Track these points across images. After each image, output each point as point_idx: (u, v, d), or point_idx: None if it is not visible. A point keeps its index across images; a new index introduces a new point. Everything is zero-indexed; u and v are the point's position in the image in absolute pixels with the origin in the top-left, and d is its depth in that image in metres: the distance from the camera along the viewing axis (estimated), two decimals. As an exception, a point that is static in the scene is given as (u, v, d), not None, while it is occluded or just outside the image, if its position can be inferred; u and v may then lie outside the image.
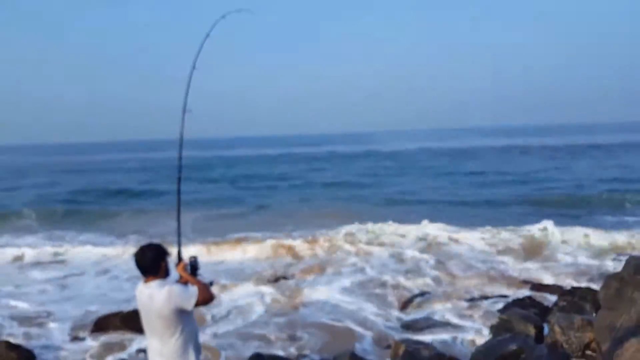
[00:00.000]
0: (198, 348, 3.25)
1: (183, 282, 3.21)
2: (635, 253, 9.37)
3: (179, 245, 3.47)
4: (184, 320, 3.10)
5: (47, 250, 12.44)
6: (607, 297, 4.99)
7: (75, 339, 7.05)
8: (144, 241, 3.33)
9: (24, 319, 7.88)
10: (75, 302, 8.77)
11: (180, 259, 3.33)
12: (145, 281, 3.12)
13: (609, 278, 5.21)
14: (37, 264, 11.55)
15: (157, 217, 16.36)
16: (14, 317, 7.98)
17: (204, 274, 3.30)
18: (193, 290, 3.07)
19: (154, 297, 3.02)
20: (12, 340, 6.71)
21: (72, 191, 25.20)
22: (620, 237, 11.40)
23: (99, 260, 11.71)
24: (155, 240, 3.37)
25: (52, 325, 7.62)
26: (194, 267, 3.24)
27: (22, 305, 8.55)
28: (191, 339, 3.18)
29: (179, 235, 3.62)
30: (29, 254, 12.08)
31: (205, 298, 3.11)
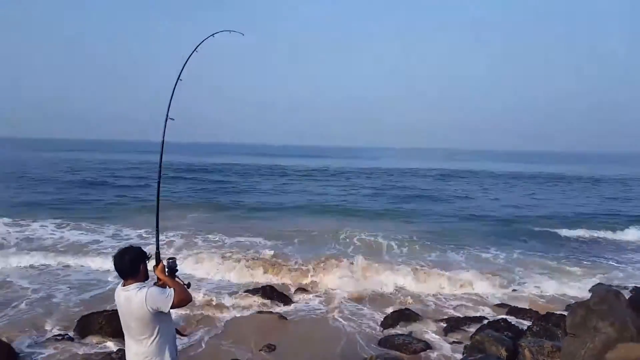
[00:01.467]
0: (175, 350, 3.33)
1: (161, 284, 3.27)
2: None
3: (157, 247, 3.52)
4: (161, 322, 3.18)
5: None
6: (573, 324, 5.17)
7: (59, 336, 7.09)
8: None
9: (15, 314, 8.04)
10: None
11: (158, 260, 3.38)
12: (124, 284, 3.18)
13: (576, 305, 5.40)
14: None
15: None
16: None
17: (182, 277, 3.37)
18: (170, 292, 3.13)
19: (131, 300, 3.09)
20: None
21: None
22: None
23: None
24: (136, 244, 3.41)
25: (39, 321, 7.76)
26: (172, 268, 3.30)
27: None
28: (168, 341, 3.26)
29: (157, 236, 3.64)
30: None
31: (182, 300, 3.17)
